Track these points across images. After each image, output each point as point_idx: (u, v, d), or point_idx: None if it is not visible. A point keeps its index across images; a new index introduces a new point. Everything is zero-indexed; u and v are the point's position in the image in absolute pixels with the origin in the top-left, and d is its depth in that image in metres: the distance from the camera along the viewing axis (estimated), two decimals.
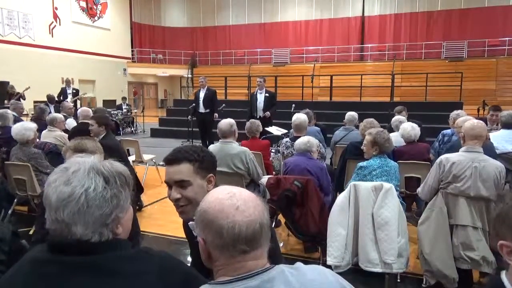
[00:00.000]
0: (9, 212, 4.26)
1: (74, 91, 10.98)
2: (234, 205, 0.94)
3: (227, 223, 0.91)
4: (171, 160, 1.52)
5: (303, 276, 0.95)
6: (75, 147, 2.19)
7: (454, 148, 3.28)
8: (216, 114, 8.42)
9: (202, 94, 8.41)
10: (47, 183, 0.96)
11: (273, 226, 3.38)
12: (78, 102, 11.27)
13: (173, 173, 1.51)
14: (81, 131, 4.38)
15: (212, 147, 3.82)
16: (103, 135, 4.14)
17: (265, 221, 0.96)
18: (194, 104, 8.51)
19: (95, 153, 2.13)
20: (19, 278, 0.92)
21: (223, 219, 0.92)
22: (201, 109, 8.42)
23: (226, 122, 3.79)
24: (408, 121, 5.00)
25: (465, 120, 4.02)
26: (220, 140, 3.78)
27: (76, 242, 0.91)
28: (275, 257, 1.35)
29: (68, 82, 11.15)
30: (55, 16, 18.01)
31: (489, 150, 3.15)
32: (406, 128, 4.21)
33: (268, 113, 7.56)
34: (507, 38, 17.87)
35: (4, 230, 1.50)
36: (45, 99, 9.37)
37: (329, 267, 2.84)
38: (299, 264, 1.01)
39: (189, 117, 9.13)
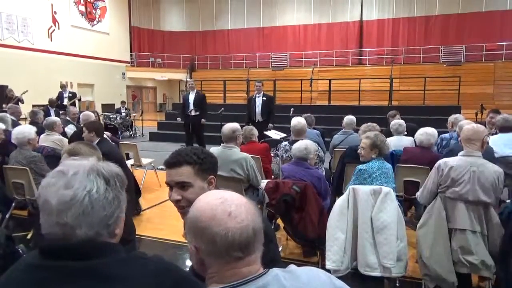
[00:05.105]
0: (7, 216, 4.24)
1: (70, 94, 10.98)
2: (226, 211, 0.91)
3: (220, 230, 0.89)
4: (172, 163, 1.55)
5: (297, 279, 0.95)
6: (70, 151, 2.25)
7: (453, 152, 3.28)
8: (203, 120, 8.39)
9: (192, 96, 8.38)
10: (43, 186, 0.95)
11: (272, 229, 3.36)
12: (77, 106, 11.25)
13: (174, 175, 1.53)
14: (80, 135, 4.37)
15: (213, 151, 3.80)
16: (97, 141, 4.11)
17: (258, 225, 0.94)
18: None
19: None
20: (13, 284, 0.91)
21: (216, 226, 0.89)
22: (191, 112, 8.36)
23: (229, 127, 3.73)
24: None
25: (464, 124, 4.02)
26: (222, 144, 3.77)
27: (69, 247, 0.90)
28: (276, 261, 1.35)
29: (63, 86, 11.16)
30: (54, 20, 18.02)
31: (488, 153, 3.14)
32: (418, 132, 4.14)
33: (271, 125, 7.49)
34: (504, 43, 17.96)
35: None
36: (44, 103, 9.38)
37: (328, 271, 2.83)
38: (292, 267, 1.00)
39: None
